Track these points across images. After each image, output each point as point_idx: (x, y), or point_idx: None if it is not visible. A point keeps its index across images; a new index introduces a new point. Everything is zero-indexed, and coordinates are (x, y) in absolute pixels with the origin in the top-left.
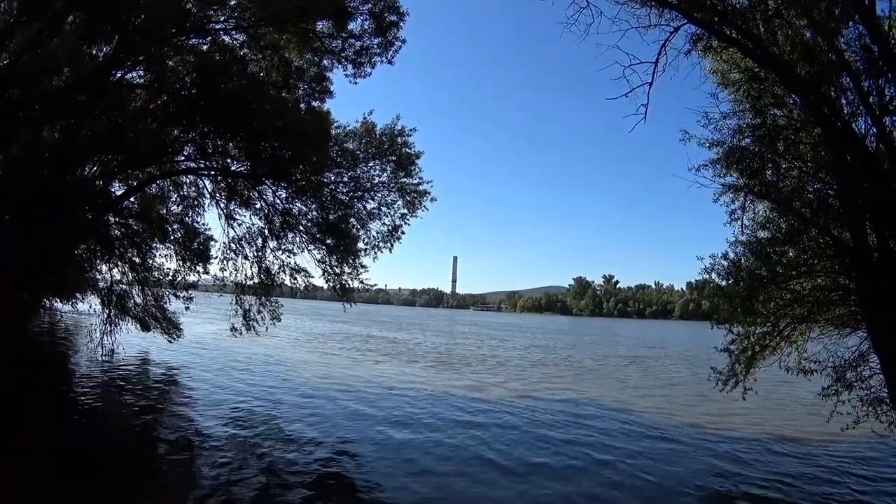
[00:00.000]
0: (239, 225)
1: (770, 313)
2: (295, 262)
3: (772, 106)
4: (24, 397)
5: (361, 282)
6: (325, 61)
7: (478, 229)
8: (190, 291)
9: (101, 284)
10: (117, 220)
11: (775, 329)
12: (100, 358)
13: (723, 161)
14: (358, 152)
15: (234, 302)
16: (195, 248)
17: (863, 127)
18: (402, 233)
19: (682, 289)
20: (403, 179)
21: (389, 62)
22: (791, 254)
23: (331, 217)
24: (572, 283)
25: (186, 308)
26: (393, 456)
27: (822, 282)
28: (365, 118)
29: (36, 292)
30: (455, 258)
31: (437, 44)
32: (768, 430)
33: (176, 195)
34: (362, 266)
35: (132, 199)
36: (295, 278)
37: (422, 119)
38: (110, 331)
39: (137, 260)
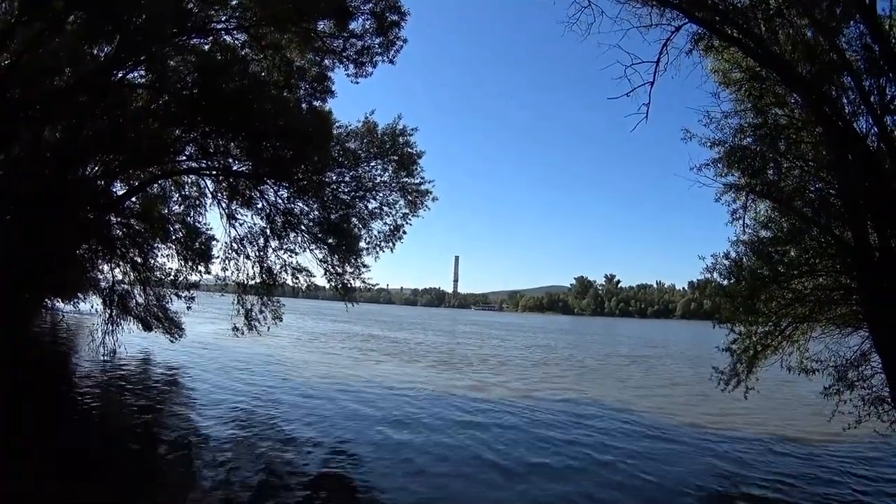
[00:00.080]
0: (241, 225)
1: (772, 313)
2: (297, 262)
3: (773, 105)
4: (25, 397)
5: (363, 281)
6: (326, 61)
7: (479, 228)
8: (192, 291)
9: (102, 284)
10: (119, 219)
11: (777, 328)
12: (101, 358)
13: (724, 160)
14: (359, 152)
15: (235, 302)
16: (197, 248)
17: (864, 126)
18: (404, 232)
19: (683, 288)
20: (405, 179)
21: (391, 61)
22: (792, 253)
23: (332, 217)
24: (574, 282)
25: (188, 308)
26: (392, 456)
27: (823, 281)
28: (366, 118)
29: (37, 292)
30: (457, 258)
31: (438, 43)
32: (770, 429)
33: (177, 195)
34: (364, 266)
35: (134, 198)
36: (297, 278)
37: (423, 118)
38: (112, 330)
39: (139, 260)
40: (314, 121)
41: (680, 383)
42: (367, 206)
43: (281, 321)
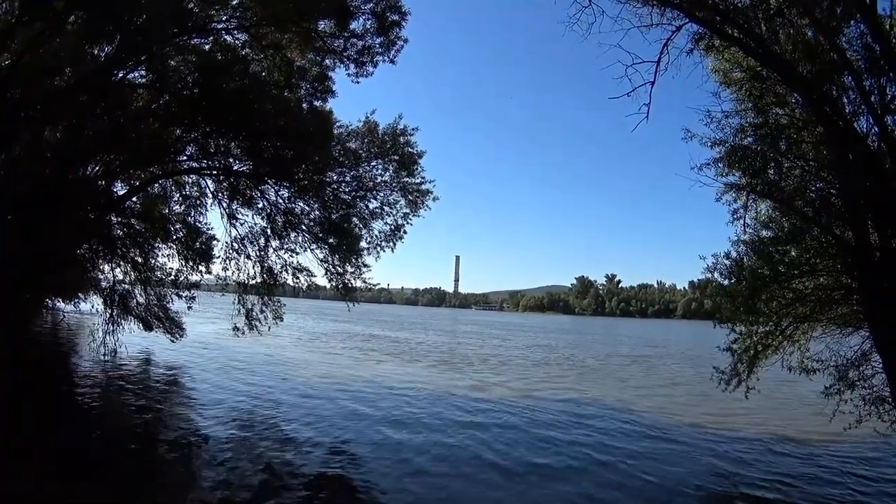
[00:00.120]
0: (241, 224)
1: (772, 312)
2: (297, 262)
3: (774, 105)
4: (25, 397)
5: (364, 281)
6: (327, 61)
7: (480, 228)
8: (192, 291)
9: (103, 284)
10: (120, 219)
11: (778, 328)
12: (102, 357)
13: (725, 160)
14: (360, 151)
15: (236, 301)
16: (198, 248)
17: (864, 126)
18: (405, 232)
19: (684, 288)
20: (406, 179)
21: (392, 61)
22: (793, 253)
23: (333, 216)
24: (575, 282)
25: (189, 308)
26: (392, 456)
27: (824, 281)
28: (367, 117)
29: (36, 292)
30: (457, 257)
31: (438, 43)
32: (770, 429)
33: (178, 195)
34: (365, 265)
35: (134, 198)
36: (297, 278)
37: (424, 118)
38: (113, 330)
39: (140, 260)
40: (315, 120)
41: (681, 383)
42: (367, 206)
43: (281, 321)
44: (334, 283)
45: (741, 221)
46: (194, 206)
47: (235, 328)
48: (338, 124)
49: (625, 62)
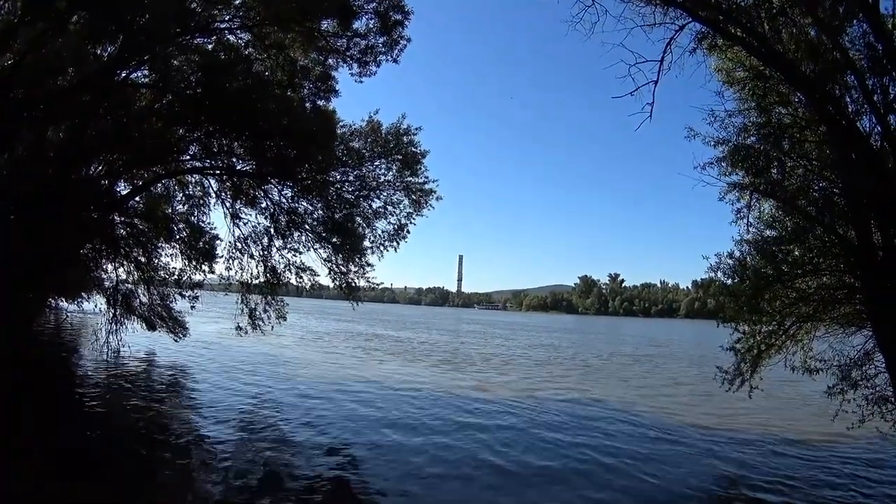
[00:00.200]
0: (244, 224)
1: (775, 312)
2: (301, 261)
3: (777, 104)
4: (26, 397)
5: (367, 280)
6: (330, 60)
7: (483, 227)
8: (195, 290)
9: (106, 284)
10: (123, 219)
11: (781, 328)
12: (105, 357)
13: (728, 159)
14: (363, 151)
15: (239, 301)
16: (201, 248)
17: (867, 125)
18: (408, 232)
19: (687, 287)
20: (409, 178)
21: (395, 61)
22: (796, 252)
23: (336, 216)
24: (578, 281)
25: (192, 307)
26: (393, 457)
27: (827, 280)
28: (371, 117)
29: (38, 292)
30: (460, 257)
31: (441, 42)
32: (773, 429)
33: (181, 194)
34: (368, 265)
35: (137, 198)
36: (301, 277)
37: (427, 117)
38: (116, 330)
39: (143, 259)
40: (318, 120)
41: (684, 383)
42: (371, 206)
43: (285, 320)
44: (338, 283)
45: (744, 221)
46: (197, 206)
47: (238, 328)
48: (341, 124)
49: (628, 61)
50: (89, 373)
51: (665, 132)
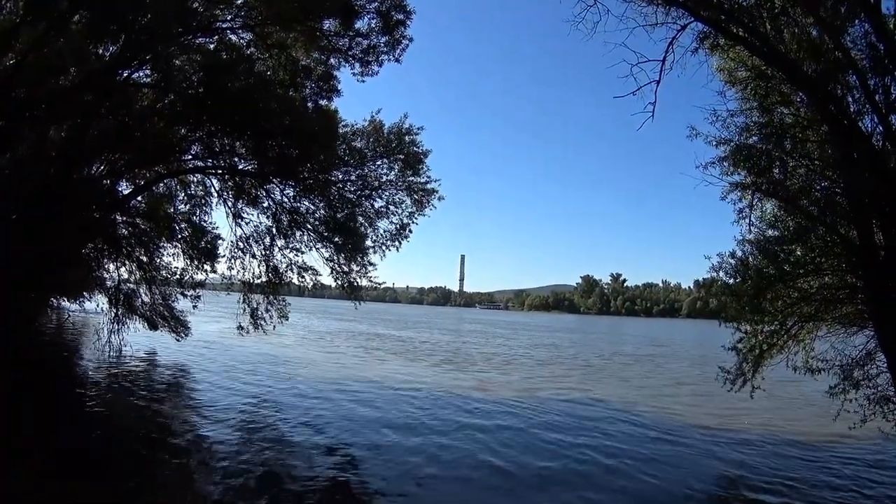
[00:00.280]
0: (246, 223)
1: (777, 312)
2: (303, 261)
3: (779, 104)
4: (26, 397)
5: (369, 280)
6: (332, 60)
7: (485, 227)
8: (197, 290)
9: (108, 283)
10: (125, 219)
11: (783, 327)
12: (107, 356)
13: (730, 159)
14: (366, 151)
15: (241, 300)
16: (203, 247)
17: (869, 125)
18: (410, 231)
19: (689, 287)
20: (411, 178)
21: (397, 60)
22: (798, 252)
23: (338, 215)
24: (580, 281)
25: (194, 307)
26: (393, 458)
27: (829, 280)
28: (373, 116)
29: (41, 291)
30: (462, 256)
31: (443, 41)
32: (774, 430)
33: (183, 194)
34: (370, 264)
35: (139, 198)
36: (303, 277)
37: (429, 116)
38: (118, 329)
39: (145, 259)
40: (320, 120)
41: (685, 382)
42: (373, 205)
43: (287, 320)
44: (340, 282)
45: (746, 220)
46: (199, 206)
47: (240, 327)
48: (343, 123)
49: (630, 61)
50: (90, 372)
51: (667, 132)
